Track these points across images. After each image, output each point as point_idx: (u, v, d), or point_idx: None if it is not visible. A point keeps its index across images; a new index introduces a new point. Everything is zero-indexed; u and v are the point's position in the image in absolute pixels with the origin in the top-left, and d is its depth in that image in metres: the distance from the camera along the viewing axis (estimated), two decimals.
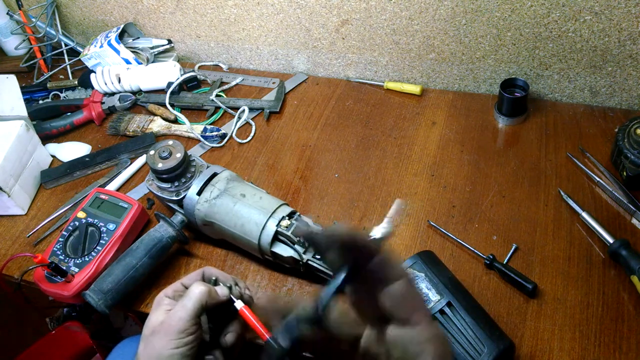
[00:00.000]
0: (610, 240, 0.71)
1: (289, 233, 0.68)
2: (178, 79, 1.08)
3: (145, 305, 0.75)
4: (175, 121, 1.04)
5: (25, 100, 1.03)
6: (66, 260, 0.76)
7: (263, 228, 0.69)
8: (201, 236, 0.81)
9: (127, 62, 1.13)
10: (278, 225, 0.69)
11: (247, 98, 1.06)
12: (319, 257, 0.67)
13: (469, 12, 0.89)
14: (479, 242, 0.76)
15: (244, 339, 0.65)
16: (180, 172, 0.76)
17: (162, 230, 0.75)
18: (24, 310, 1.48)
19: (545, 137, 0.90)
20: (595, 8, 0.81)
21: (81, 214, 0.80)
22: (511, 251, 0.74)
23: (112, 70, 1.09)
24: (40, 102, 1.14)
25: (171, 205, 0.78)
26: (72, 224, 0.80)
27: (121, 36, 1.15)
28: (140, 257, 0.73)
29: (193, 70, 1.14)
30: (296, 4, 1.00)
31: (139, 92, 1.11)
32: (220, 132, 0.99)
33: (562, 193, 0.79)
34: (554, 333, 0.66)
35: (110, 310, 0.70)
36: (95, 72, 1.10)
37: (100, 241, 0.77)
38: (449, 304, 0.61)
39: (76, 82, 1.16)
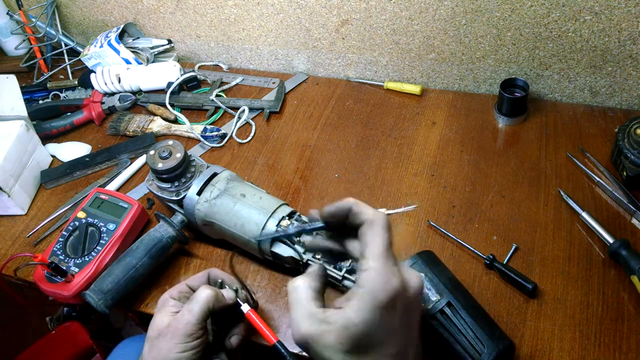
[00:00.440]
0: (610, 240, 0.71)
1: None
2: (178, 79, 1.08)
3: (145, 305, 0.75)
4: (175, 121, 1.04)
5: (25, 100, 1.03)
6: (66, 260, 0.76)
7: (263, 228, 0.69)
8: (201, 236, 0.81)
9: (127, 62, 1.13)
10: (278, 225, 0.69)
11: (247, 98, 1.06)
12: (318, 257, 0.67)
13: (469, 12, 0.89)
14: (479, 242, 0.76)
15: (248, 341, 0.65)
16: (180, 172, 0.76)
17: (162, 230, 0.75)
18: (24, 310, 1.49)
19: (545, 137, 0.90)
20: (595, 8, 0.81)
21: (81, 214, 0.80)
22: (511, 251, 0.74)
23: (112, 70, 1.10)
24: (40, 102, 1.14)
25: (171, 205, 0.78)
26: (72, 224, 0.80)
27: (121, 36, 1.15)
28: (140, 257, 0.73)
29: (193, 70, 1.14)
30: (296, 4, 1.00)
31: (139, 92, 1.11)
32: (220, 132, 0.99)
33: (562, 193, 0.79)
34: (554, 333, 0.66)
35: (110, 310, 0.70)
36: (95, 72, 1.11)
37: (100, 241, 0.77)
38: (449, 304, 0.61)
39: (76, 82, 1.16)
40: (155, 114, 1.05)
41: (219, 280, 0.63)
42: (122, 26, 1.15)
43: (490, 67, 0.96)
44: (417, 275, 0.46)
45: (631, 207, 0.76)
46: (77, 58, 1.20)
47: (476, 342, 0.58)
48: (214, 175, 0.76)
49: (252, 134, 0.99)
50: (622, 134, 0.79)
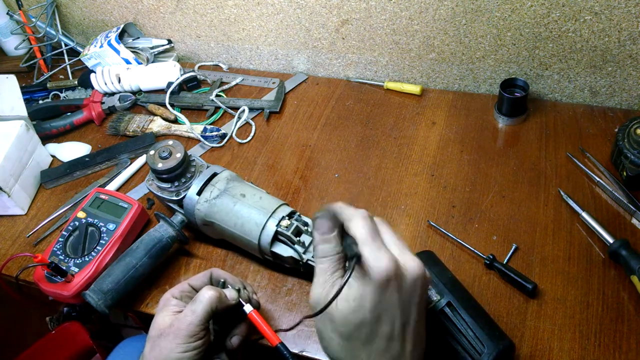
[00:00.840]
0: (610, 240, 0.71)
1: (289, 233, 0.68)
2: (178, 79, 1.08)
3: (145, 305, 0.75)
4: (175, 121, 1.04)
5: (25, 100, 1.03)
6: (66, 260, 0.76)
7: (263, 228, 0.69)
8: (201, 236, 0.81)
9: (127, 62, 1.13)
10: (278, 225, 0.69)
11: (247, 98, 1.06)
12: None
13: (469, 12, 0.89)
14: (479, 242, 0.76)
15: (248, 341, 0.65)
16: (180, 172, 0.76)
17: (162, 230, 0.75)
18: (24, 310, 1.48)
19: (545, 137, 0.90)
20: (595, 8, 0.81)
21: (81, 214, 0.80)
22: (511, 251, 0.74)
23: (112, 70, 1.10)
24: (40, 102, 1.14)
25: (171, 205, 0.78)
26: (72, 224, 0.80)
27: (121, 36, 1.15)
28: (140, 257, 0.73)
29: (193, 70, 1.14)
30: (296, 4, 1.00)
31: (139, 92, 1.11)
32: (220, 132, 0.99)
33: (562, 193, 0.79)
34: (554, 333, 0.66)
35: (110, 310, 0.70)
36: (95, 72, 1.11)
37: (100, 241, 0.77)
38: (449, 304, 0.61)
39: (76, 82, 1.16)
40: (155, 114, 1.05)
41: (222, 280, 0.63)
42: (122, 26, 1.15)
43: (490, 67, 0.96)
44: (415, 260, 0.48)
45: (631, 207, 0.76)
46: (77, 58, 1.20)
47: (476, 342, 0.58)
48: (214, 175, 0.76)
49: (252, 134, 0.99)
50: (622, 134, 0.79)
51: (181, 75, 1.09)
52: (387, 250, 0.47)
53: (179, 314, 0.57)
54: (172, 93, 1.06)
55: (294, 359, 0.57)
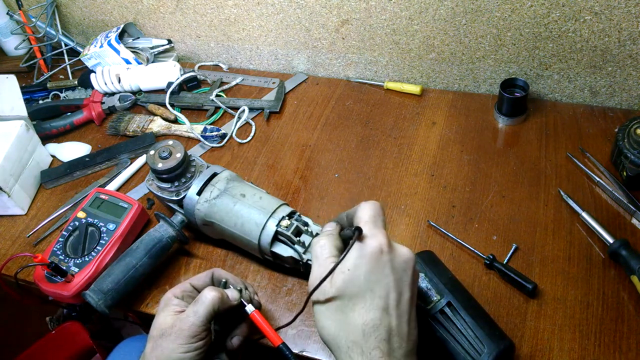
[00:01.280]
0: (610, 240, 0.71)
1: (289, 233, 0.68)
2: (178, 79, 1.08)
3: (145, 305, 0.75)
4: (175, 121, 1.04)
5: (25, 100, 1.03)
6: (66, 260, 0.76)
7: (263, 228, 0.69)
8: (201, 236, 0.81)
9: (127, 62, 1.13)
10: (278, 225, 0.69)
11: (247, 98, 1.06)
12: None
13: (469, 12, 0.89)
14: (479, 242, 0.76)
15: (249, 341, 0.65)
16: (180, 172, 0.76)
17: (162, 230, 0.75)
18: (24, 310, 1.49)
19: (545, 137, 0.90)
20: (595, 8, 0.81)
21: (81, 214, 0.80)
22: (511, 251, 0.74)
23: (112, 70, 1.10)
24: (40, 102, 1.14)
25: (171, 205, 0.78)
26: (72, 224, 0.80)
27: (121, 36, 1.15)
28: (140, 257, 0.73)
29: (193, 70, 1.14)
30: (296, 4, 1.00)
31: (139, 92, 1.11)
32: (220, 132, 0.99)
33: (562, 193, 0.79)
34: (554, 333, 0.66)
35: (110, 310, 0.70)
36: (95, 72, 1.11)
37: (100, 241, 0.77)
38: (449, 304, 0.61)
39: (76, 82, 1.16)
40: (155, 114, 1.05)
41: (223, 280, 0.63)
42: (122, 26, 1.15)
43: (490, 67, 0.96)
44: (407, 249, 0.53)
45: (631, 207, 0.76)
46: (77, 58, 1.20)
47: (476, 342, 0.58)
48: (214, 175, 0.76)
49: (252, 134, 0.99)
50: (622, 134, 0.79)
51: (181, 75, 1.09)
52: (384, 231, 0.52)
53: (180, 314, 0.57)
54: (172, 93, 1.06)
55: (296, 359, 0.57)
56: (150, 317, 0.60)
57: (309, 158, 0.93)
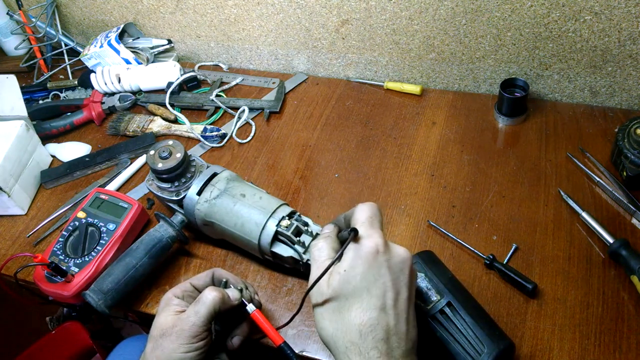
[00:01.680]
0: (610, 240, 0.71)
1: (289, 233, 0.68)
2: (178, 79, 1.08)
3: (145, 305, 0.75)
4: (175, 121, 1.04)
5: (25, 100, 1.03)
6: (66, 260, 0.76)
7: (263, 228, 0.69)
8: (201, 236, 0.81)
9: (127, 62, 1.13)
10: (278, 225, 0.69)
11: (247, 98, 1.06)
12: None
13: (469, 12, 0.89)
14: (479, 242, 0.76)
15: (249, 341, 0.65)
16: (180, 172, 0.76)
17: (162, 230, 0.75)
18: (24, 310, 1.49)
19: (545, 137, 0.90)
20: (595, 8, 0.81)
21: (81, 214, 0.80)
22: (511, 251, 0.74)
23: (112, 70, 1.10)
24: (40, 102, 1.14)
25: (171, 205, 0.78)
26: (72, 224, 0.80)
27: (121, 36, 1.15)
28: (140, 257, 0.73)
29: (193, 70, 1.14)
30: (296, 4, 1.00)
31: (139, 92, 1.11)
32: (220, 132, 0.99)
33: (562, 193, 0.79)
34: (554, 333, 0.66)
35: (110, 310, 0.70)
36: (95, 72, 1.11)
37: (100, 241, 0.77)
38: (449, 304, 0.61)
39: (76, 82, 1.16)
40: (155, 114, 1.05)
41: (224, 280, 0.63)
42: (122, 26, 1.15)
43: (490, 67, 0.96)
44: (404, 249, 0.53)
45: (631, 207, 0.76)
46: (77, 58, 1.20)
47: (476, 342, 0.58)
48: (214, 175, 0.76)
49: (252, 134, 0.99)
50: (622, 134, 0.79)
51: (181, 75, 1.09)
52: (380, 231, 0.53)
53: (181, 314, 0.57)
54: (172, 93, 1.06)
55: (297, 358, 0.57)
56: (151, 317, 0.60)
57: (309, 158, 0.93)
